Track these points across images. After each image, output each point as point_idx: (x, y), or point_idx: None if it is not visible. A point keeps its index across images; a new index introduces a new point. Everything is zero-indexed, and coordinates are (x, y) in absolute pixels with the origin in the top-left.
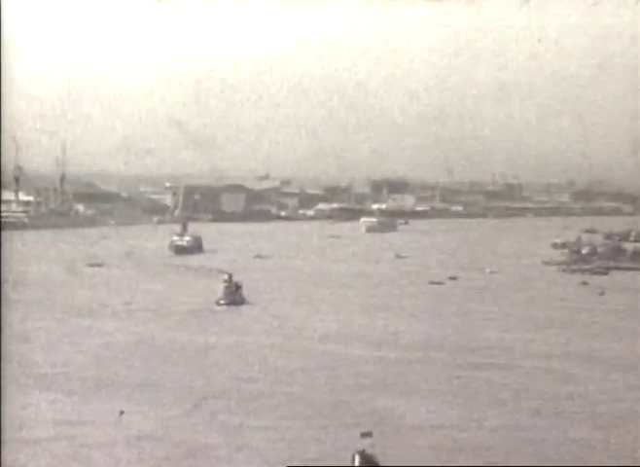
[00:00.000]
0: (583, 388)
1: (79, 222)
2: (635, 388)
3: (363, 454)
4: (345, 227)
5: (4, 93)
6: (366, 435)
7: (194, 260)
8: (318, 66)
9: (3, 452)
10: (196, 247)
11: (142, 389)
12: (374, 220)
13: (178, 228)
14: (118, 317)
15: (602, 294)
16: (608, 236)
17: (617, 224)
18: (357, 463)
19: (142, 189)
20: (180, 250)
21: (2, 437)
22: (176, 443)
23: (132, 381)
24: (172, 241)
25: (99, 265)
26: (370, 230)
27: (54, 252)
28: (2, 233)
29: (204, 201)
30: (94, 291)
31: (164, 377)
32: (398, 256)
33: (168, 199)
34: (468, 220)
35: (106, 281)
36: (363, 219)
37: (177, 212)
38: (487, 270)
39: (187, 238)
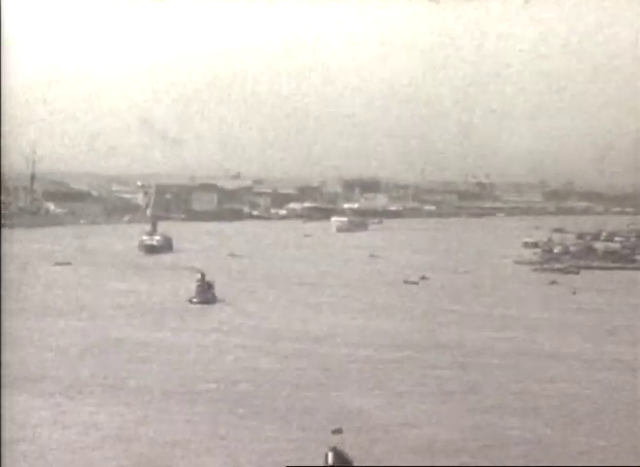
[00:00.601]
0: (553, 387)
1: (49, 221)
2: (606, 386)
3: (335, 451)
4: (317, 226)
5: None
6: (336, 432)
7: (164, 259)
8: (290, 65)
9: None
10: (167, 246)
11: (112, 389)
12: (345, 219)
13: (148, 227)
14: (86, 317)
15: (574, 293)
16: (580, 236)
17: (588, 223)
18: (330, 460)
19: (113, 188)
20: (150, 249)
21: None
22: (148, 443)
23: (102, 382)
24: (142, 241)
25: (66, 263)
26: (340, 229)
27: (23, 251)
28: None
29: (176, 200)
30: (61, 290)
31: (135, 377)
32: (372, 255)
33: (140, 198)
34: (440, 219)
35: (72, 280)
36: (333, 218)
37: (149, 211)
38: (461, 270)
39: (157, 238)
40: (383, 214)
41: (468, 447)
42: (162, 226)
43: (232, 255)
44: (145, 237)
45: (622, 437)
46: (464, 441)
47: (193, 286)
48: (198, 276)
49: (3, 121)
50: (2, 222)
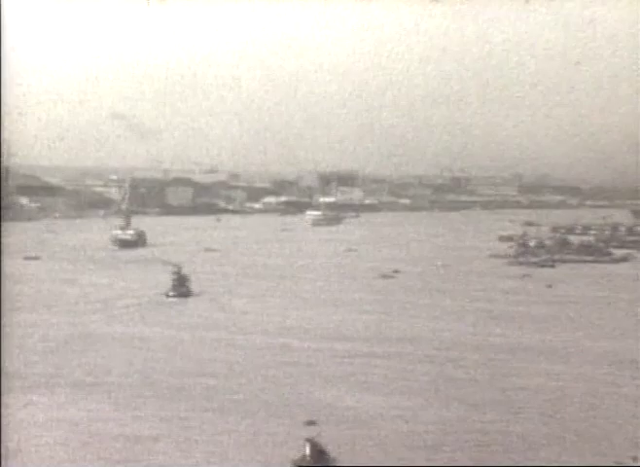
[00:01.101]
0: (528, 380)
1: (23, 215)
2: (580, 379)
3: (312, 442)
4: (293, 220)
5: None
6: (310, 423)
7: (137, 253)
8: (267, 62)
9: None
10: (140, 241)
11: (83, 384)
12: (320, 213)
13: (121, 221)
14: (57, 312)
15: (550, 286)
16: (554, 229)
17: (563, 217)
18: (307, 451)
19: (87, 182)
20: (123, 244)
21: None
22: (118, 437)
23: (74, 377)
24: (115, 235)
25: (35, 258)
26: (315, 223)
27: None
28: None
29: (151, 195)
30: (31, 285)
31: (107, 372)
32: (349, 249)
33: (114, 192)
34: (416, 213)
35: (43, 275)
36: (308, 212)
37: (124, 206)
38: (437, 264)
39: (130, 232)
40: (359, 208)
41: (440, 440)
42: (137, 220)
43: (208, 249)
44: (118, 232)
45: (594, 429)
46: (435, 434)
47: (167, 280)
48: (174, 270)
49: None
50: None
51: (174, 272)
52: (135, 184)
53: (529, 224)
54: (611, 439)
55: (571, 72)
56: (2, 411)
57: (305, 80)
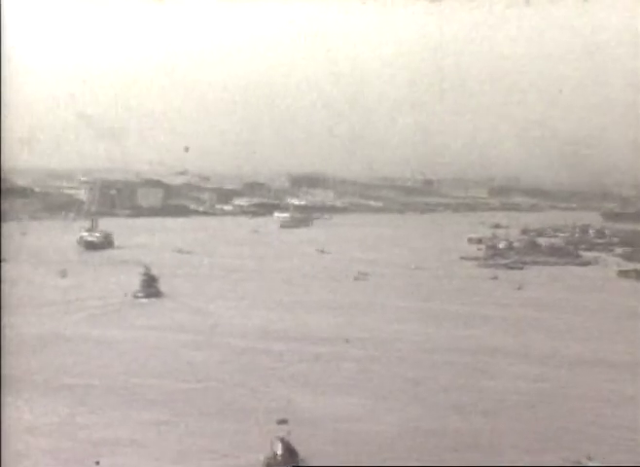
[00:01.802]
0: (493, 382)
1: None
2: (545, 381)
3: (283, 441)
4: (263, 222)
5: None
6: (282, 422)
7: (105, 255)
8: (237, 63)
9: None
10: (107, 243)
11: (45, 387)
12: (288, 215)
13: (88, 223)
14: (22, 313)
15: (519, 288)
16: (524, 232)
17: (533, 219)
18: (278, 449)
19: (57, 183)
20: (90, 246)
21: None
22: (79, 440)
23: (36, 379)
24: (81, 237)
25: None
26: (284, 225)
27: None
28: None
29: (121, 197)
30: None
31: (71, 374)
32: (320, 251)
33: (83, 194)
34: (387, 215)
35: (9, 277)
36: (276, 214)
37: (93, 207)
38: (407, 266)
39: (96, 234)
40: (329, 210)
41: (403, 440)
42: (107, 222)
43: (179, 251)
44: (85, 233)
45: (556, 431)
46: (399, 435)
47: (135, 281)
48: (143, 271)
49: None
50: None
51: (143, 273)
52: (105, 186)
53: (499, 226)
54: (573, 438)
55: (549, 75)
56: None
57: (276, 82)
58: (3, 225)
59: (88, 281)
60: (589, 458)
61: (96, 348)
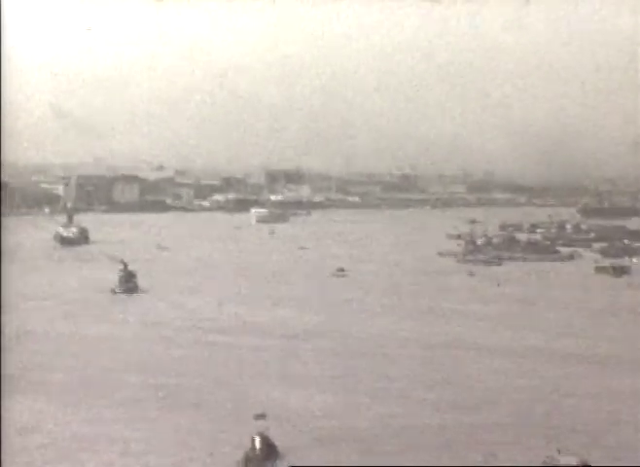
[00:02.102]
0: (469, 377)
1: None
2: (523, 376)
3: (262, 436)
4: (241, 218)
5: None
6: (260, 417)
7: (82, 250)
8: (215, 60)
9: None
10: (82, 238)
11: (24, 382)
12: (265, 211)
13: (64, 218)
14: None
15: (497, 284)
16: (502, 227)
17: (511, 215)
18: (257, 444)
19: (34, 178)
20: (65, 241)
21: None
22: (57, 437)
23: (15, 374)
24: (57, 232)
25: None
26: (260, 220)
27: None
28: None
29: (98, 192)
30: None
31: (49, 369)
32: (299, 247)
33: (60, 189)
34: (365, 211)
35: None
36: (253, 210)
37: (70, 203)
38: (385, 262)
39: (72, 229)
40: (307, 205)
41: (382, 436)
42: (84, 217)
43: (157, 246)
44: (60, 229)
45: (533, 426)
46: (378, 430)
47: (112, 276)
48: (121, 266)
49: None
50: None
51: (121, 269)
52: (82, 181)
53: (477, 222)
54: (550, 433)
55: (528, 75)
56: None
57: (254, 79)
58: None
59: (65, 277)
60: (559, 452)
61: (74, 344)
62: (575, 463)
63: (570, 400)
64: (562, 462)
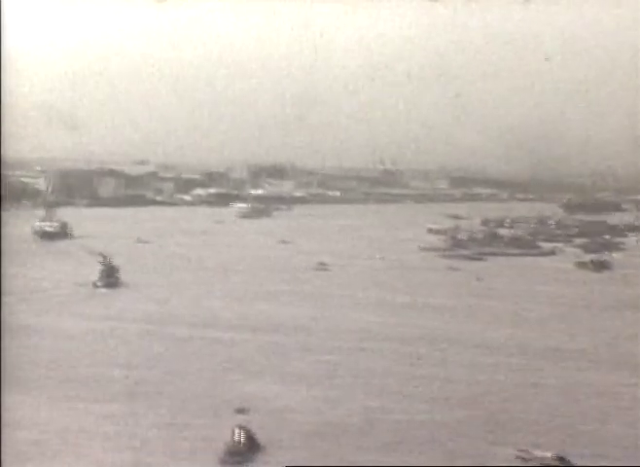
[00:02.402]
0: (448, 372)
1: None
2: (503, 371)
3: (243, 430)
4: (222, 212)
5: None
6: (241, 411)
7: (62, 245)
8: (198, 54)
9: None
10: (62, 232)
11: (4, 377)
12: (247, 205)
13: (43, 212)
14: None
15: (480, 279)
16: (484, 222)
17: (493, 210)
18: (239, 438)
19: (16, 172)
20: (45, 236)
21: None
22: (41, 431)
23: None
24: (37, 226)
25: None
26: (244, 215)
27: None
28: None
29: (79, 186)
30: None
31: (29, 364)
32: (281, 241)
33: (41, 183)
34: (346, 206)
35: None
36: (235, 205)
37: (50, 197)
38: (368, 257)
39: (52, 223)
40: (289, 200)
41: (363, 432)
42: (64, 211)
43: (139, 241)
44: (40, 223)
45: (512, 420)
46: (355, 425)
47: (94, 271)
48: (102, 260)
49: None
50: None
51: (102, 263)
52: (63, 175)
53: (460, 217)
54: (528, 428)
55: (509, 69)
56: None
57: (237, 73)
58: None
59: (45, 272)
60: (537, 447)
61: (54, 339)
62: (549, 456)
63: (549, 394)
64: (537, 456)
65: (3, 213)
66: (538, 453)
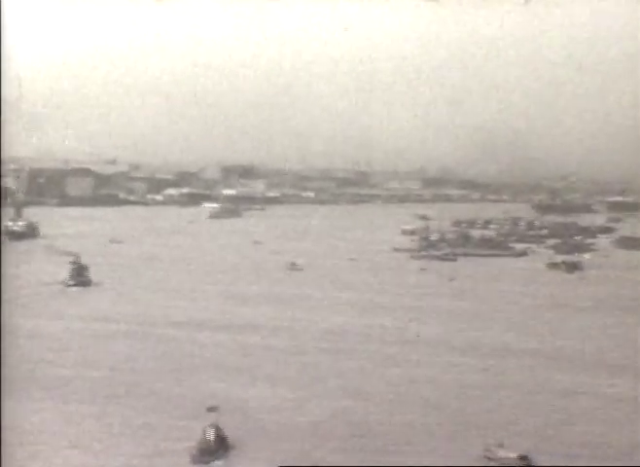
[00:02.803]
0: (418, 372)
1: None
2: (473, 371)
3: (214, 428)
4: (194, 212)
5: None
6: (212, 410)
7: (30, 244)
8: (169, 54)
9: None
10: (31, 232)
11: None
12: (217, 206)
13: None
14: None
15: (451, 280)
16: (456, 223)
17: (465, 211)
18: (210, 436)
19: None
20: (14, 235)
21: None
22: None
23: None
24: (5, 226)
25: None
26: (215, 215)
27: None
28: None
29: (50, 185)
30: None
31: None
32: (253, 242)
33: (11, 182)
34: (320, 206)
35: None
36: (205, 205)
37: (20, 196)
38: (341, 257)
39: (20, 223)
40: (262, 200)
41: (332, 431)
42: (34, 211)
43: (110, 240)
44: (8, 223)
45: (481, 420)
46: (326, 425)
47: (63, 270)
48: (72, 260)
49: None
50: None
51: (73, 262)
52: (33, 174)
53: (431, 218)
54: (495, 427)
55: (483, 73)
56: None
57: (207, 73)
58: None
59: (12, 271)
60: (501, 446)
61: (25, 339)
62: (514, 457)
63: (519, 394)
64: (501, 455)
65: None
66: (502, 453)
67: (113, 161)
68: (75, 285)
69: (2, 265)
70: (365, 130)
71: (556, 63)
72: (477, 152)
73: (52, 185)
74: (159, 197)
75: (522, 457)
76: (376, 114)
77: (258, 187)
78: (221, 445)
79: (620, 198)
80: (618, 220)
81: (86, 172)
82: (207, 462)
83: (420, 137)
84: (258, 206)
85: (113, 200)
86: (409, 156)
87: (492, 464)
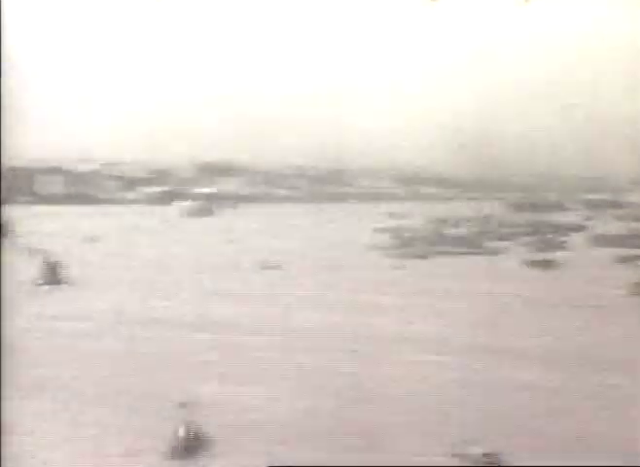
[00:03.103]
0: (390, 371)
1: None
2: (442, 368)
3: (188, 425)
4: (166, 210)
5: None
6: (183, 405)
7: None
8: (142, 54)
9: None
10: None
11: None
12: (193, 203)
13: None
14: None
15: (422, 277)
16: (430, 221)
17: (438, 209)
18: (183, 434)
19: None
20: None
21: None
22: None
23: None
24: None
25: None
26: (188, 214)
27: None
28: None
29: (19, 183)
30: None
31: None
32: (226, 241)
33: None
34: (294, 204)
35: None
36: (176, 203)
37: None
38: (314, 256)
39: None
40: (235, 198)
41: (299, 431)
42: (4, 209)
43: (81, 239)
44: None
45: (452, 419)
46: (295, 425)
47: (33, 270)
48: (43, 257)
49: None
50: None
51: (43, 261)
52: (3, 172)
53: (405, 216)
54: (461, 426)
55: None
56: None
57: (182, 70)
58: None
59: None
60: (468, 443)
61: None
62: (480, 453)
63: (488, 393)
64: (469, 453)
65: None
66: (470, 451)
67: (85, 160)
68: (46, 284)
69: None
70: (339, 128)
71: (550, 62)
72: (450, 149)
73: (22, 183)
74: (131, 196)
75: (487, 454)
76: (351, 112)
77: (230, 185)
78: (195, 442)
79: (595, 196)
80: (592, 218)
81: (56, 170)
82: (180, 459)
83: (394, 135)
84: (230, 204)
85: (85, 199)
86: (383, 154)
87: (458, 462)
